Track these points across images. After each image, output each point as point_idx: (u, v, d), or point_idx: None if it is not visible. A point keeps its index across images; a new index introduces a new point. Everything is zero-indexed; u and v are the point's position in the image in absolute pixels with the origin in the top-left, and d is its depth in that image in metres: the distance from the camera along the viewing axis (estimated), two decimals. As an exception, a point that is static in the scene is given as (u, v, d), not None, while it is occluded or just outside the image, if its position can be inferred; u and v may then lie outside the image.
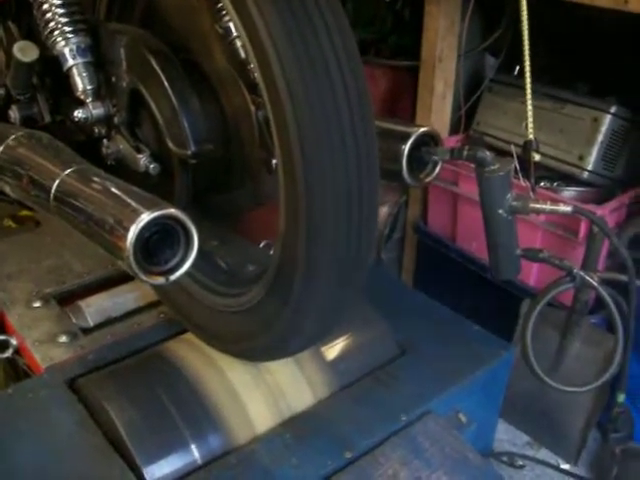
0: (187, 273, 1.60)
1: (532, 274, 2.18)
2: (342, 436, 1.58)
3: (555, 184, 2.26)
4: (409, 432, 1.62)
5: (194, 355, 1.70)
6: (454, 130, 2.51)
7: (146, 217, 1.09)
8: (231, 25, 1.40)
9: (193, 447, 1.54)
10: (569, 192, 2.23)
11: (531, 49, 1.69)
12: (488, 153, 1.45)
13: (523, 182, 1.51)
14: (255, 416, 1.63)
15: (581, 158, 2.19)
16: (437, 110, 2.38)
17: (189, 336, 1.76)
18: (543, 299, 1.79)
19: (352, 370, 1.76)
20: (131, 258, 1.08)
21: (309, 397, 1.69)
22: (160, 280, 1.13)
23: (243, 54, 1.42)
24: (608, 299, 1.68)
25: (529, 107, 1.47)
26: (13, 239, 2.28)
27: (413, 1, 2.50)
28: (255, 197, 1.64)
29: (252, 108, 1.43)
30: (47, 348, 1.80)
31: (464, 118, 2.50)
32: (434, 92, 2.34)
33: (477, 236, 2.23)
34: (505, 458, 2.13)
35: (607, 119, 2.16)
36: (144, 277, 1.11)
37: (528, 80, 1.46)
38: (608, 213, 2.03)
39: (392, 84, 2.61)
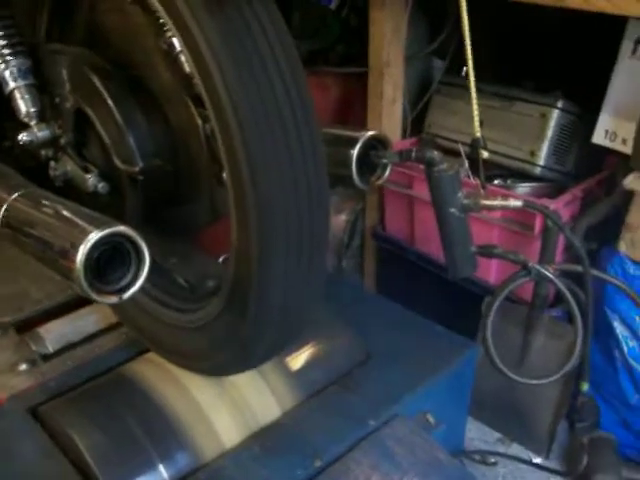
0: (146, 291, 1.62)
1: (492, 272, 2.19)
2: (311, 445, 1.58)
3: (509, 181, 2.29)
4: (378, 436, 1.62)
5: (157, 374, 1.68)
6: (406, 133, 2.53)
7: (95, 236, 1.07)
8: (175, 40, 1.39)
9: (161, 467, 1.52)
10: (523, 188, 2.25)
11: (477, 49, 1.70)
12: (436, 153, 1.46)
13: (473, 180, 1.52)
14: (222, 431, 1.62)
15: (532, 154, 2.21)
16: (388, 114, 2.40)
17: (151, 355, 1.75)
18: (500, 294, 1.80)
19: (317, 378, 1.76)
20: (82, 278, 1.07)
21: (275, 408, 1.69)
22: (113, 299, 1.12)
23: (188, 68, 1.41)
24: (565, 290, 1.69)
25: (474, 106, 1.48)
26: (-32, 269, 2.25)
27: (358, 8, 2.51)
28: (213, 211, 1.63)
29: (199, 122, 1.43)
30: (7, 377, 1.77)
31: (415, 121, 2.52)
32: (383, 97, 2.35)
33: (435, 237, 2.22)
34: (477, 456, 2.14)
35: (555, 114, 2.19)
36: (96, 297, 1.10)
37: (472, 80, 1.48)
38: (562, 206, 2.05)
39: (343, 91, 2.63)
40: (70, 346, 1.90)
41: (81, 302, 1.98)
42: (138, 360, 1.77)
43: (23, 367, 1.80)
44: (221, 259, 2.15)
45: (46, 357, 1.86)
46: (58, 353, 1.88)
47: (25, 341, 1.90)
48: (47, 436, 1.58)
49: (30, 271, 2.15)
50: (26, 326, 1.98)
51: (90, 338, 1.93)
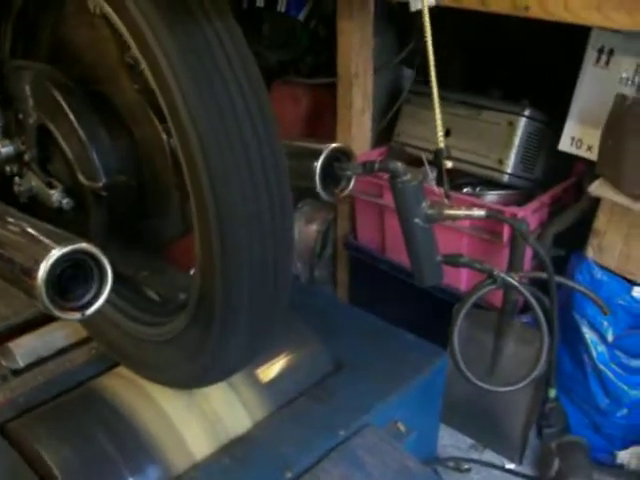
0: (114, 305, 1.62)
1: (462, 279, 2.21)
2: (281, 456, 1.58)
3: (477, 189, 2.30)
4: (348, 446, 1.63)
5: (127, 388, 1.68)
6: (377, 143, 2.54)
7: (56, 253, 1.08)
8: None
9: (131, 481, 1.52)
10: (491, 196, 2.27)
11: (444, 58, 1.72)
12: (400, 164, 1.47)
13: (437, 190, 1.53)
14: (192, 444, 1.62)
15: (500, 162, 2.23)
16: (357, 125, 2.41)
17: (122, 370, 1.75)
18: (467, 303, 1.81)
19: (288, 389, 1.76)
20: (43, 295, 1.07)
21: (246, 420, 1.69)
22: (76, 316, 1.12)
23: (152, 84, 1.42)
24: (530, 297, 1.71)
25: (437, 116, 1.50)
26: (-64, 287, 2.23)
27: (327, 19, 2.53)
28: (183, 224, 1.63)
29: (164, 137, 1.43)
30: (-24, 393, 1.76)
31: (384, 131, 2.54)
32: (353, 107, 2.36)
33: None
34: (451, 463, 2.15)
35: (522, 122, 2.21)
36: (59, 313, 1.10)
37: (435, 90, 1.49)
38: (530, 214, 2.07)
39: (313, 102, 2.64)
40: (41, 361, 1.89)
41: (49, 318, 1.97)
42: (108, 375, 1.77)
43: (-7, 383, 1.79)
44: (192, 271, 2.15)
45: (17, 372, 1.85)
46: (28, 368, 1.87)
47: (-6, 357, 1.89)
48: (16, 453, 1.57)
49: (-2, 287, 2.14)
50: (-6, 342, 1.97)
51: (60, 353, 1.92)
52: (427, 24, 1.54)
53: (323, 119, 2.62)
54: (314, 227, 2.57)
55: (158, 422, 1.62)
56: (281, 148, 1.26)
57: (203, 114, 1.17)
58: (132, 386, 1.68)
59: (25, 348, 1.91)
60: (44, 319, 1.98)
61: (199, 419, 1.65)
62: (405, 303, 2.35)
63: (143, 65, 1.35)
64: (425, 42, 1.57)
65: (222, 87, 1.19)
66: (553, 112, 2.25)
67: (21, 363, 1.87)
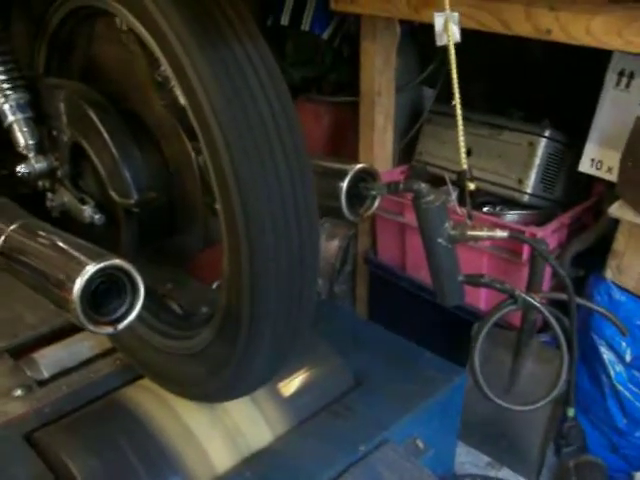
0: (141, 318, 1.64)
1: (481, 298, 2.22)
2: (302, 471, 1.60)
3: (498, 208, 2.32)
4: (368, 462, 1.65)
5: (151, 401, 1.71)
6: (397, 162, 2.56)
7: (91, 269, 1.10)
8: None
9: (154, 493, 1.54)
10: (511, 216, 2.29)
11: (466, 80, 1.74)
12: (423, 185, 1.50)
13: (459, 210, 1.55)
14: (215, 457, 1.64)
15: (520, 182, 2.25)
16: (379, 143, 2.43)
17: (146, 382, 1.77)
18: (488, 323, 1.83)
19: (308, 404, 1.79)
20: (78, 310, 1.10)
21: (267, 434, 1.71)
22: (109, 330, 1.15)
23: (182, 101, 1.45)
24: (550, 318, 1.72)
25: (460, 137, 1.52)
26: (-37, 295, 2.27)
27: (351, 38, 2.56)
28: (205, 238, 1.66)
29: (193, 154, 1.46)
30: (2, 403, 1.78)
31: (405, 149, 2.56)
32: (375, 126, 2.39)
33: (426, 264, 2.27)
34: (468, 480, 2.16)
35: (542, 143, 2.23)
36: (92, 328, 1.13)
37: (459, 113, 1.52)
38: (549, 234, 2.09)
39: (335, 120, 2.66)
40: (65, 371, 1.91)
41: (75, 327, 1.99)
42: (132, 386, 1.79)
43: (18, 393, 1.81)
44: (214, 285, 2.18)
45: (41, 383, 1.87)
46: (53, 378, 1.89)
47: (20, 367, 1.91)
48: (41, 462, 1.60)
49: (25, 297, 2.17)
50: (21, 352, 2.00)
51: (85, 363, 1.94)
52: (452, 58, 1.57)
53: (345, 137, 2.64)
54: (335, 243, 2.59)
55: (181, 435, 1.64)
56: (309, 164, 1.29)
57: (234, 131, 1.19)
58: (156, 398, 1.71)
59: (50, 359, 1.94)
60: (70, 329, 2.01)
61: (221, 432, 1.67)
62: (424, 320, 2.36)
63: (174, 83, 1.40)
64: (449, 68, 1.61)
65: (253, 105, 1.22)
66: (573, 133, 2.26)
67: (46, 374, 1.90)
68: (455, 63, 1.51)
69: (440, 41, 1.59)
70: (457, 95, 1.48)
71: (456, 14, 1.64)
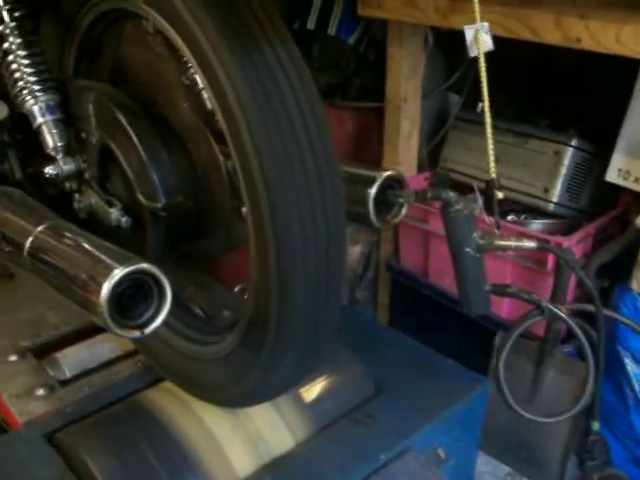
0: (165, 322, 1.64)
1: (504, 306, 2.21)
2: (322, 477, 1.59)
3: (522, 217, 2.31)
4: (389, 471, 1.63)
5: (173, 404, 1.70)
6: (421, 168, 2.55)
7: (119, 273, 1.10)
8: (197, 77, 1.43)
9: (175, 496, 1.54)
10: (536, 224, 2.27)
11: (491, 85, 1.73)
12: (452, 194, 1.49)
13: (487, 219, 1.54)
14: (235, 462, 1.63)
15: (546, 191, 2.23)
16: (404, 149, 2.43)
17: (167, 384, 1.77)
18: (514, 333, 1.82)
19: (330, 411, 1.77)
20: (105, 314, 1.10)
21: (288, 440, 1.70)
22: (135, 334, 1.14)
23: (210, 105, 1.45)
24: (577, 330, 1.71)
25: (490, 147, 1.51)
26: (-14, 293, 2.28)
27: (376, 43, 2.55)
28: (228, 241, 1.66)
29: (221, 158, 1.46)
30: (24, 402, 1.78)
31: (431, 156, 2.55)
32: (400, 132, 2.39)
33: (449, 272, 2.24)
34: (487, 490, 2.15)
35: (569, 152, 2.22)
36: (119, 331, 1.12)
37: (488, 122, 1.51)
38: (575, 244, 2.07)
39: (359, 125, 2.66)
40: (87, 372, 1.91)
41: (98, 328, 2.00)
42: (154, 389, 1.79)
43: (40, 392, 1.81)
44: (237, 289, 2.18)
45: (63, 383, 1.87)
46: (75, 379, 1.89)
47: (42, 366, 1.92)
48: (63, 462, 1.60)
49: (48, 297, 2.17)
50: (44, 351, 2.01)
51: (106, 365, 1.94)
52: (483, 70, 1.56)
53: (368, 143, 2.64)
54: (357, 249, 2.59)
55: (202, 439, 1.63)
56: (338, 169, 1.28)
57: (265, 137, 1.19)
58: (177, 401, 1.70)
59: (72, 359, 1.94)
60: (92, 329, 2.01)
61: (242, 437, 1.66)
62: (445, 328, 2.35)
63: (202, 86, 1.40)
64: (476, 68, 1.60)
65: (283, 110, 1.21)
66: (600, 142, 2.25)
67: (68, 374, 1.90)
68: (486, 74, 1.50)
69: (472, 52, 1.58)
70: (487, 107, 1.47)
71: (486, 24, 1.63)
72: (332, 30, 2.52)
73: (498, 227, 1.51)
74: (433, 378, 1.90)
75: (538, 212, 2.29)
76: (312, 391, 1.78)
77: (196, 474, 1.59)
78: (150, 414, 1.68)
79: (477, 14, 1.56)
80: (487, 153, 1.49)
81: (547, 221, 2.27)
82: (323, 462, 1.63)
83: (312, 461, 1.64)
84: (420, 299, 2.46)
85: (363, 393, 1.84)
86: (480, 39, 1.55)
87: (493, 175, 1.49)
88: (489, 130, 1.46)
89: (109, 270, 1.11)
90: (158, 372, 1.80)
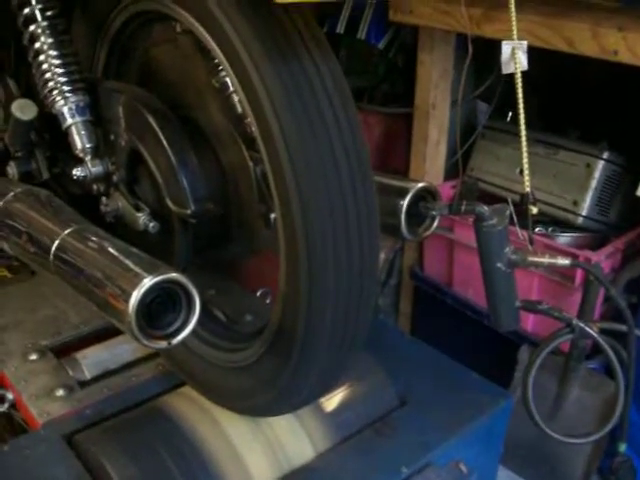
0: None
1: (529, 320, 2.18)
2: (343, 491, 1.58)
3: (550, 229, 2.28)
4: (410, 485, 1.62)
5: (193, 410, 1.69)
6: (449, 176, 2.53)
7: (148, 282, 1.08)
8: (228, 80, 1.41)
9: (193, 503, 1.52)
10: (564, 238, 2.24)
11: (523, 96, 1.71)
12: (486, 208, 1.46)
13: (520, 233, 1.51)
14: (255, 470, 1.61)
15: (575, 203, 2.20)
16: (431, 157, 2.41)
17: (187, 389, 1.75)
18: (543, 351, 1.79)
19: (352, 422, 1.75)
20: (133, 324, 1.08)
21: (309, 450, 1.68)
22: (162, 344, 1.13)
23: (240, 109, 1.43)
24: (608, 350, 1.68)
25: (525, 160, 1.48)
26: (8, 289, 2.26)
27: (406, 49, 2.53)
28: (253, 247, 1.64)
29: (250, 164, 1.44)
30: (44, 402, 1.77)
31: (460, 164, 2.52)
32: (428, 139, 2.36)
33: (473, 282, 2.24)
34: (507, 506, 2.12)
35: (600, 165, 2.18)
36: (146, 342, 1.10)
37: (523, 135, 1.48)
38: (604, 259, 2.04)
39: (385, 131, 2.64)
40: (107, 373, 1.90)
41: (118, 329, 1.99)
42: (174, 394, 1.77)
43: (60, 393, 1.80)
44: (259, 293, 2.17)
45: (83, 384, 1.86)
46: (95, 380, 1.88)
47: (62, 366, 1.91)
48: (81, 465, 1.59)
49: (69, 295, 2.15)
50: (64, 350, 1.99)
51: (127, 367, 1.93)
52: (519, 87, 1.54)
53: (395, 149, 2.62)
54: (381, 255, 2.57)
55: (222, 445, 1.62)
56: (372, 178, 1.26)
57: (299, 143, 1.17)
58: (198, 408, 1.69)
59: (92, 360, 1.93)
60: (113, 330, 1.99)
61: (262, 446, 1.64)
62: (468, 339, 2.33)
63: (232, 90, 1.38)
64: (507, 77, 1.57)
65: (318, 117, 1.19)
66: (631, 156, 2.21)
67: (88, 375, 1.89)
68: (522, 92, 1.47)
69: (506, 69, 1.56)
70: (523, 128, 1.44)
71: (525, 42, 1.61)
72: (362, 34, 2.50)
73: (531, 242, 1.48)
74: (457, 391, 1.88)
75: (565, 225, 2.26)
76: (334, 401, 1.77)
77: (215, 482, 1.57)
78: (170, 419, 1.67)
79: (514, 32, 1.53)
80: (519, 160, 1.46)
81: (575, 234, 2.24)
82: (343, 474, 1.61)
83: (332, 473, 1.62)
84: (443, 308, 2.43)
85: (386, 404, 1.82)
86: (517, 57, 1.52)
87: (528, 189, 1.46)
88: (524, 144, 1.44)
89: (138, 279, 1.09)
90: (178, 377, 1.78)
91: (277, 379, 1.38)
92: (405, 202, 1.46)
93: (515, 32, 1.56)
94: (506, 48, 1.59)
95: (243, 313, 2.00)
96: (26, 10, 1.49)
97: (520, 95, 1.46)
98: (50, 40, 1.50)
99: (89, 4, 1.65)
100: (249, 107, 1.22)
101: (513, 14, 1.57)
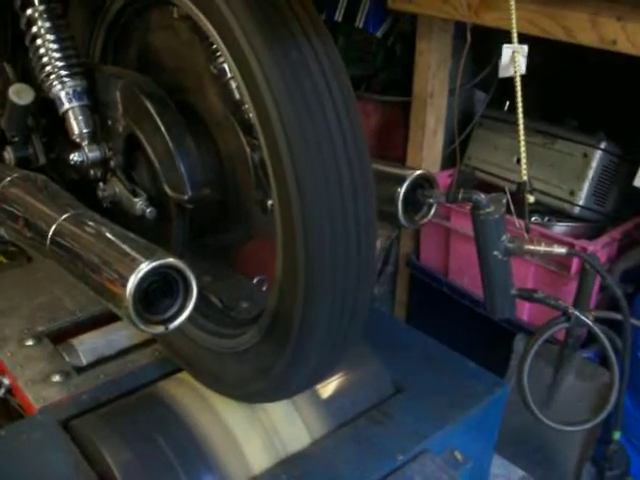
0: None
1: (525, 309, 2.19)
2: (338, 476, 1.57)
3: (546, 219, 2.28)
4: (405, 472, 1.61)
5: (189, 396, 1.69)
6: (445, 165, 2.53)
7: (145, 267, 1.08)
8: (226, 66, 1.41)
9: (189, 489, 1.53)
10: (560, 227, 2.24)
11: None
12: (483, 196, 1.46)
13: (517, 222, 1.52)
14: (251, 456, 1.62)
15: (572, 193, 2.20)
16: (428, 145, 2.40)
17: (184, 375, 1.76)
18: (539, 339, 1.79)
19: (347, 409, 1.75)
20: (130, 309, 1.08)
21: (305, 437, 1.69)
22: (159, 329, 1.13)
23: (238, 95, 1.42)
24: (603, 338, 1.69)
25: (522, 149, 1.48)
26: (4, 275, 2.26)
27: (405, 37, 2.52)
28: (248, 233, 1.64)
29: (247, 150, 1.43)
30: (40, 388, 1.77)
31: (458, 153, 2.52)
32: (425, 128, 2.36)
33: (469, 270, 2.24)
34: (501, 493, 2.13)
35: (597, 155, 2.18)
36: (143, 327, 1.10)
37: (521, 124, 1.48)
38: (600, 248, 2.05)
39: (383, 119, 2.63)
40: (103, 360, 1.90)
41: (115, 315, 1.98)
42: (170, 380, 1.77)
43: (56, 378, 1.80)
44: (255, 280, 2.17)
45: (79, 369, 1.86)
46: (91, 366, 1.88)
47: (59, 352, 1.91)
48: (77, 450, 1.59)
49: (65, 281, 2.16)
50: (60, 336, 1.99)
51: (123, 353, 1.93)
52: (518, 90, 1.54)
53: (392, 137, 2.61)
54: (377, 244, 2.57)
55: (218, 431, 1.62)
56: (370, 165, 1.26)
57: (297, 128, 1.16)
58: (194, 394, 1.69)
59: (88, 346, 1.93)
60: (110, 316, 1.99)
61: (259, 432, 1.65)
62: (464, 327, 2.33)
63: (230, 76, 1.37)
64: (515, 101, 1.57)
65: (316, 102, 1.18)
66: (629, 146, 2.21)
67: (84, 361, 1.89)
68: (520, 94, 1.47)
69: (504, 73, 1.55)
70: (520, 117, 1.43)
71: (525, 47, 1.60)
72: (360, 23, 2.49)
73: (527, 231, 1.48)
74: (452, 379, 1.88)
75: (562, 214, 2.26)
76: (330, 388, 1.77)
77: (210, 467, 1.57)
78: (166, 405, 1.67)
79: (515, 37, 1.53)
80: (516, 149, 1.46)
81: (571, 224, 2.24)
82: (339, 461, 1.62)
83: (328, 460, 1.63)
84: (439, 296, 2.44)
85: (381, 392, 1.82)
86: (517, 61, 1.52)
87: (525, 178, 1.46)
88: (522, 133, 1.43)
89: (136, 264, 1.09)
90: (174, 362, 1.78)
91: (273, 366, 1.38)
92: (402, 189, 1.46)
93: (515, 34, 1.56)
94: (506, 51, 1.58)
95: (239, 299, 2.01)
96: (23, -6, 1.49)
97: (519, 102, 1.45)
98: (47, 24, 1.49)
99: (86, -12, 1.64)
100: (247, 93, 1.21)
101: (513, 13, 1.56)
